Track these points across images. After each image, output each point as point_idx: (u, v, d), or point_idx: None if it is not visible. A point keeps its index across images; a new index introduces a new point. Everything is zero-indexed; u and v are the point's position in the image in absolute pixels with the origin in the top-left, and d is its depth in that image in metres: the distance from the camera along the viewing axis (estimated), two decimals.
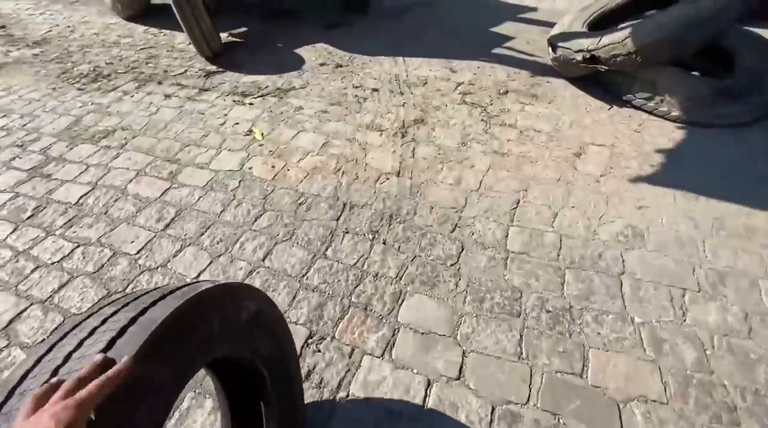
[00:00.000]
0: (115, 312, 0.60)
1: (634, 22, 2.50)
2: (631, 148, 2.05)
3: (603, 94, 2.43)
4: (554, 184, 1.88)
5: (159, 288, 0.70)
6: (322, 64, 3.05)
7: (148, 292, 0.67)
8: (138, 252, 1.72)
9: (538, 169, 1.97)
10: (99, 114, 2.69)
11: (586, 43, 2.27)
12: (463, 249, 1.61)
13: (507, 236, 1.65)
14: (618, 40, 2.11)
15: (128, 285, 1.59)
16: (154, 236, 1.78)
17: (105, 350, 0.52)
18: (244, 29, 3.84)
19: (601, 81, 2.43)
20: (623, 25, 2.60)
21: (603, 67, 2.24)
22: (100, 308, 0.63)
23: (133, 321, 0.57)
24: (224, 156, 2.21)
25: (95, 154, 2.31)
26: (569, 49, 2.35)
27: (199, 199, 1.96)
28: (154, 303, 0.61)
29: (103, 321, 0.58)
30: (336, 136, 2.28)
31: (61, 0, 5.23)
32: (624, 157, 2.00)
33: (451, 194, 1.87)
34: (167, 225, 1.83)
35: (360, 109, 2.50)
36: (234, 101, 2.67)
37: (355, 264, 1.59)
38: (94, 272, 1.65)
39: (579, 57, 2.29)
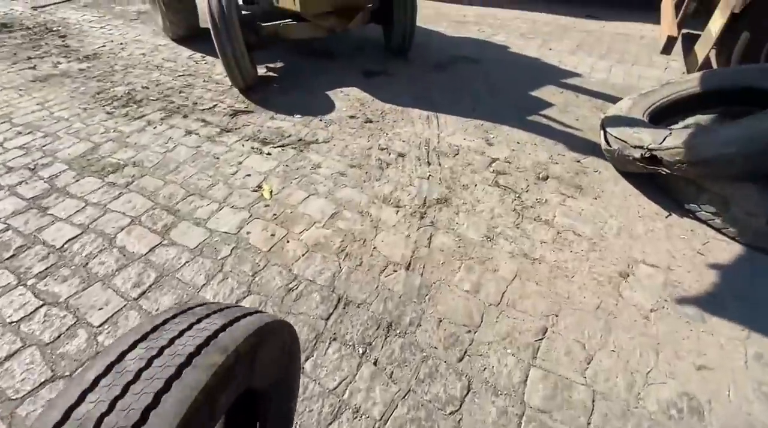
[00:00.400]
0: (179, 336, 0.63)
1: (709, 124, 2.19)
2: (691, 276, 1.69)
3: (660, 197, 2.10)
4: (592, 313, 1.55)
5: (217, 306, 0.75)
6: (351, 117, 2.89)
7: (208, 315, 0.70)
8: (101, 324, 1.52)
9: (574, 288, 1.65)
10: (117, 143, 2.62)
11: (647, 139, 1.97)
12: (469, 391, 1.31)
13: (526, 381, 1.34)
14: (687, 145, 1.80)
15: (77, 368, 1.39)
16: (124, 306, 1.59)
17: (174, 377, 0.55)
18: (281, 64, 3.80)
19: (660, 181, 2.11)
20: (691, 121, 2.29)
21: (665, 170, 1.92)
22: (163, 323, 0.66)
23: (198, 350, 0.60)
24: (225, 213, 2.03)
25: (98, 190, 2.20)
26: (626, 142, 2.06)
27: (185, 264, 1.77)
28: (223, 329, 0.66)
29: (171, 343, 0.61)
30: (348, 206, 2.06)
31: (123, 16, 5.48)
32: (682, 287, 1.65)
33: (466, 305, 1.59)
34: (142, 294, 1.64)
35: (381, 175, 2.29)
36: (252, 148, 2.53)
37: (335, 388, 1.32)
38: (48, 343, 1.46)
39: (637, 154, 1.98)
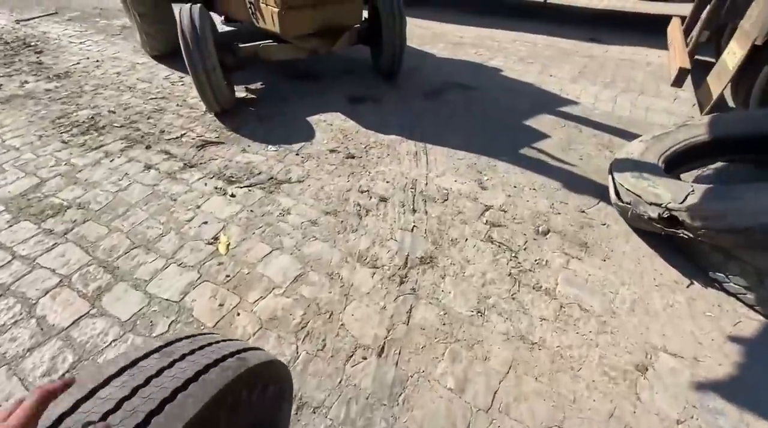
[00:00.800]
0: (162, 370, 0.59)
1: (738, 179, 1.92)
2: (724, 370, 1.39)
3: (680, 260, 1.81)
4: (604, 422, 1.25)
5: (206, 341, 0.70)
6: (332, 151, 2.62)
7: (194, 350, 0.65)
8: None
9: (581, 386, 1.34)
10: (66, 179, 2.33)
11: (666, 195, 1.68)
12: None
13: None
14: (716, 209, 1.52)
15: None
16: None
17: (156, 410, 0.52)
18: (261, 86, 3.54)
19: (679, 241, 1.82)
20: (713, 170, 2.01)
21: (687, 234, 1.63)
22: (145, 356, 0.61)
23: (184, 386, 0.57)
24: (171, 273, 1.73)
25: (31, 238, 1.91)
26: (639, 196, 1.77)
27: (110, 343, 1.46)
28: (206, 369, 0.61)
29: (147, 381, 0.56)
30: (316, 266, 1.77)
31: (105, 31, 5.26)
32: (714, 386, 1.35)
33: (448, 409, 1.28)
34: None
35: (358, 225, 2.00)
36: (215, 189, 2.25)
37: None
38: None
39: (653, 213, 1.70)
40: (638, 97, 3.42)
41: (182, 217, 2.04)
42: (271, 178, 2.34)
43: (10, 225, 1.99)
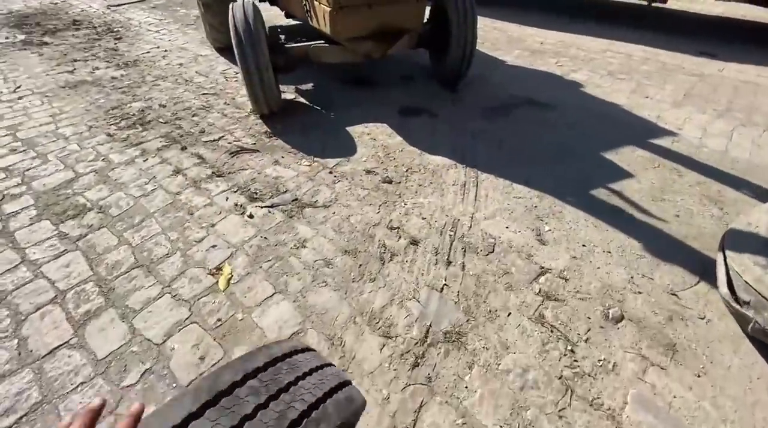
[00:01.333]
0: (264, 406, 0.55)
1: None
2: None
3: None
4: None
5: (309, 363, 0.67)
6: (368, 171, 2.32)
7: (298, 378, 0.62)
8: None
9: None
10: (98, 176, 2.29)
11: None
12: None
13: None
14: None
15: None
16: None
17: None
18: (312, 87, 3.34)
19: None
20: None
21: None
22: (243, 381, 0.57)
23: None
24: (162, 305, 1.56)
25: (45, 241, 1.85)
26: (767, 299, 1.25)
27: (78, 386, 1.30)
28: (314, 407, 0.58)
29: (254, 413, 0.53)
30: (318, 324, 1.49)
31: (182, 20, 5.43)
32: None
33: None
34: None
35: (378, 273, 1.68)
36: (235, 205, 2.06)
37: None
38: None
39: None
40: (763, 134, 2.68)
41: (193, 236, 1.87)
42: (296, 199, 2.10)
43: (32, 224, 1.96)
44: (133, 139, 2.66)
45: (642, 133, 2.71)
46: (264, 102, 2.68)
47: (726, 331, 1.46)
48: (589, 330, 1.46)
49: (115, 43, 4.55)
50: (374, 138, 2.66)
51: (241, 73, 2.52)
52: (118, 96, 3.27)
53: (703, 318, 1.51)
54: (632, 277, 1.66)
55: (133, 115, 2.97)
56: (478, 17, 3.04)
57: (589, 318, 1.51)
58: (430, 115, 2.94)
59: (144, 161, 2.43)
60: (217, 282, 1.65)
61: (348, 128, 2.76)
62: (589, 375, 1.33)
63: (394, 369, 1.34)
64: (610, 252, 1.78)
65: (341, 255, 1.77)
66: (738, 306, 1.33)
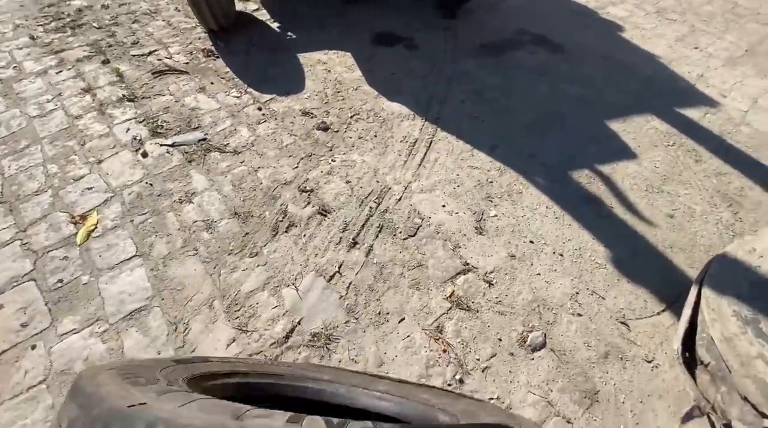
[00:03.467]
0: None
1: None
2: None
3: None
4: None
5: None
6: (305, 113, 1.91)
7: None
8: None
9: None
10: (2, 87, 1.99)
11: None
12: None
13: None
14: None
15: None
16: None
17: None
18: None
19: None
20: None
21: None
22: None
23: None
24: (7, 253, 1.34)
25: None
26: (738, 375, 0.88)
27: None
28: None
29: None
30: (168, 302, 1.24)
31: None
32: None
33: None
34: None
35: (263, 247, 1.39)
36: (133, 139, 1.74)
37: None
38: None
39: None
40: None
41: (74, 172, 1.60)
42: (205, 138, 1.76)
43: None
44: (57, 44, 2.30)
45: (669, 96, 2.11)
46: (210, 15, 2.20)
47: (674, 385, 1.12)
48: (493, 357, 1.16)
49: None
50: (329, 69, 2.19)
51: None
52: None
53: (650, 362, 1.16)
54: (577, 293, 1.30)
55: (68, 15, 2.57)
56: None
57: (500, 339, 1.19)
58: (407, 47, 2.39)
59: (57, 73, 2.09)
60: (77, 233, 1.40)
61: (304, 54, 2.28)
62: None
63: None
64: (561, 255, 1.40)
65: (229, 218, 1.46)
66: (687, 370, 0.96)
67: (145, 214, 1.47)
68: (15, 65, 2.14)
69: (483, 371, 1.13)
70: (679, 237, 1.46)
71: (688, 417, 0.99)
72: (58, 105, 1.91)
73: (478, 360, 1.15)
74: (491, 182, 1.63)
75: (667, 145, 1.84)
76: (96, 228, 1.42)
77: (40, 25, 2.46)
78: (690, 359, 1.01)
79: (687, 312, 1.06)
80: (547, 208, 1.55)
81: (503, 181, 1.64)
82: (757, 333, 0.92)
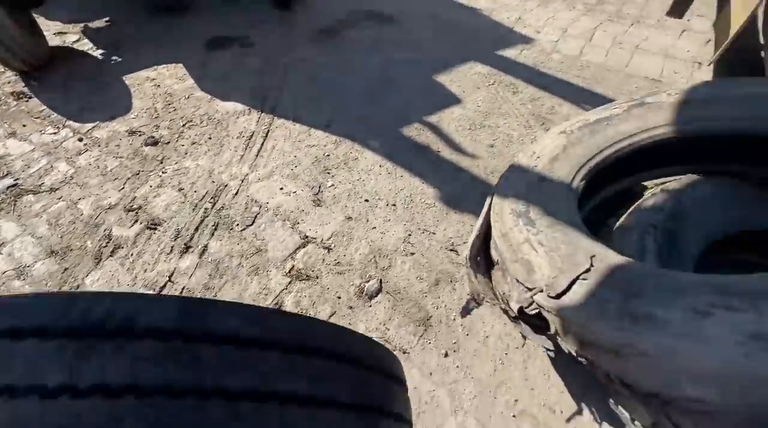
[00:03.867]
0: None
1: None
2: None
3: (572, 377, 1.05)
4: None
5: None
6: (132, 132, 1.81)
7: None
8: None
9: None
10: None
11: (542, 269, 0.88)
12: None
13: None
14: (606, 341, 0.72)
15: None
16: None
17: None
18: (104, 21, 2.62)
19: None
20: (661, 193, 1.14)
21: (552, 350, 0.86)
22: None
23: None
24: None
25: None
26: (506, 260, 0.97)
27: None
28: None
29: None
30: None
31: None
32: None
33: None
34: None
35: (85, 278, 1.29)
36: None
37: None
38: None
39: (513, 301, 0.91)
40: (628, 30, 2.33)
41: None
42: (16, 183, 1.60)
43: None
44: None
45: (490, 43, 2.28)
46: (12, 58, 2.00)
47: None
48: (332, 315, 1.17)
49: None
50: (159, 84, 2.10)
51: None
52: None
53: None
54: (410, 235, 1.36)
55: None
56: None
57: (339, 297, 1.21)
58: (242, 45, 2.36)
59: None
60: None
61: (130, 75, 2.16)
62: None
63: None
64: (395, 205, 1.46)
65: (45, 258, 1.34)
66: (473, 273, 1.04)
67: None
68: None
69: None
70: (499, 163, 1.59)
71: (465, 310, 1.08)
72: None
73: None
74: (328, 156, 1.66)
75: (488, 85, 1.98)
76: None
77: None
78: (488, 262, 1.10)
79: (480, 221, 1.15)
80: (380, 166, 1.60)
81: (339, 152, 1.67)
82: (526, 222, 1.01)
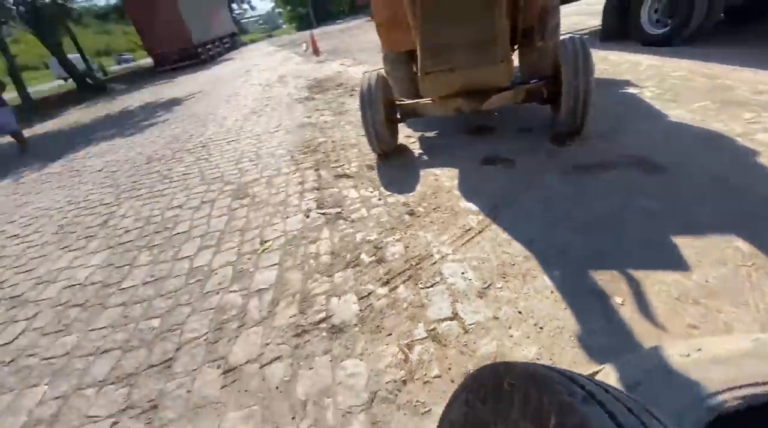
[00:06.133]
0: None
1: None
2: None
3: None
4: None
5: None
6: (404, 204, 2.75)
7: None
8: None
9: None
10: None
11: None
12: None
13: None
14: None
15: None
16: None
17: None
18: (434, 133, 3.93)
19: None
20: None
21: None
22: None
23: None
24: None
25: None
26: None
27: None
28: None
29: None
30: None
31: None
32: None
33: None
34: None
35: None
36: (307, 210, 2.97)
37: None
38: None
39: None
40: None
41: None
42: (340, 211, 2.81)
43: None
44: (299, 159, 4.06)
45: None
46: (377, 145, 3.50)
47: None
48: None
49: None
50: (437, 179, 3.02)
51: (363, 124, 3.41)
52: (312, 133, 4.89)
53: None
54: (539, 359, 1.47)
55: (312, 146, 4.44)
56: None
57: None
58: (506, 166, 2.99)
59: (288, 173, 3.73)
60: (262, 249, 2.57)
61: (426, 169, 3.22)
62: None
63: None
64: (542, 327, 1.59)
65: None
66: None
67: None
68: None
69: None
70: None
71: None
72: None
73: None
74: (513, 264, 1.96)
75: (739, 265, 1.69)
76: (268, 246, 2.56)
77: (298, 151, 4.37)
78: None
79: None
80: (552, 292, 1.75)
81: (524, 266, 1.94)
82: None
